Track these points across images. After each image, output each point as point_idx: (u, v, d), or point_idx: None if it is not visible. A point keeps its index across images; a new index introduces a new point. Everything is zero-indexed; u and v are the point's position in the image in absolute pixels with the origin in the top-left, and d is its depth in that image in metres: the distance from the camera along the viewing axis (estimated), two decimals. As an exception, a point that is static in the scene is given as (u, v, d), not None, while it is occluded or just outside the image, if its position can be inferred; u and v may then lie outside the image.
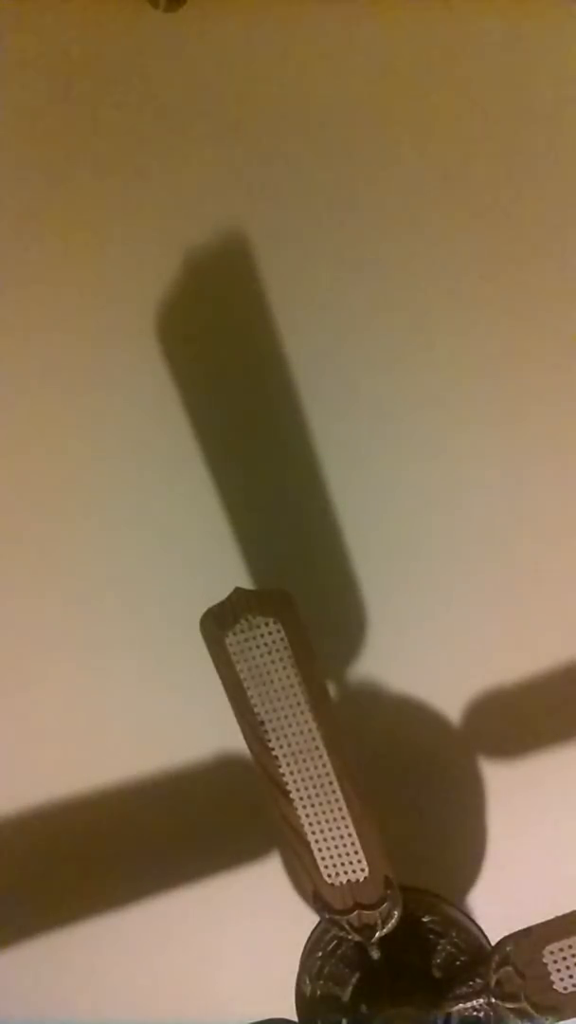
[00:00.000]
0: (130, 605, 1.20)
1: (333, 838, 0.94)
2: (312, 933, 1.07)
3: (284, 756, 0.93)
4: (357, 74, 1.07)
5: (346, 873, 0.94)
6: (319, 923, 1.05)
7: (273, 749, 0.93)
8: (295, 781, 0.93)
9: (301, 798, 0.94)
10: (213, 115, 1.08)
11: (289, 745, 0.93)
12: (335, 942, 1.05)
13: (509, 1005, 0.94)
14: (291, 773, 0.93)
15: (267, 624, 0.91)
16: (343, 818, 0.93)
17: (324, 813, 0.93)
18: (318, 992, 1.05)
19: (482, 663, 1.21)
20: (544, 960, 0.93)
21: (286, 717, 0.92)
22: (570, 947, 0.93)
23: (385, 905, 0.95)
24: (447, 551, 1.17)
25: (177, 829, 1.26)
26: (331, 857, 0.94)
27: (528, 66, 1.07)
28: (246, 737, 0.94)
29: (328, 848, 0.94)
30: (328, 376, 1.13)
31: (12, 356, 1.13)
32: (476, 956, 1.04)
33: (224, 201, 1.10)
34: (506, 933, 0.96)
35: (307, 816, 0.94)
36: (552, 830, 1.26)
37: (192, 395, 1.13)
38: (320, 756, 0.93)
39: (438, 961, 1.05)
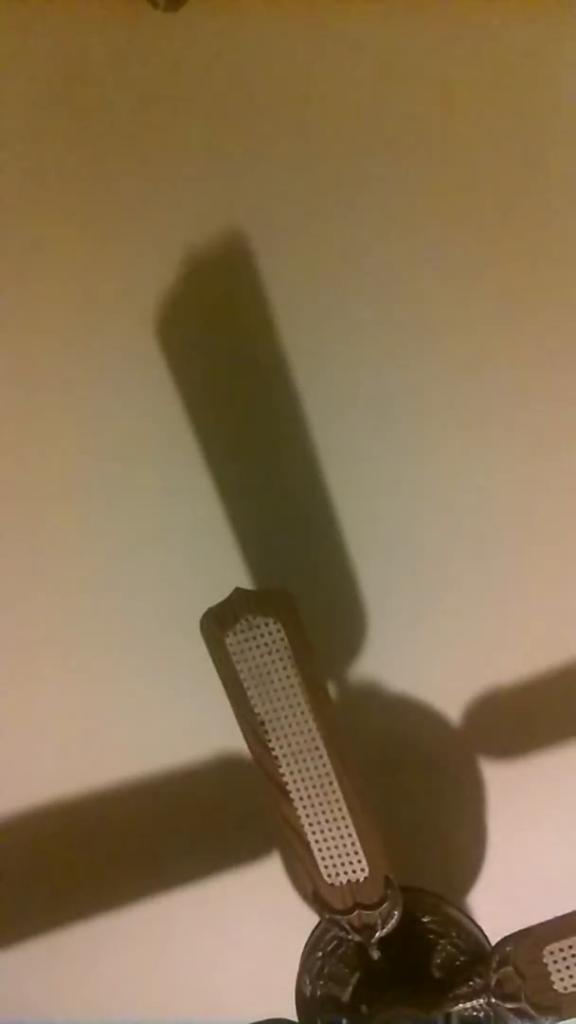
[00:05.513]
0: (130, 605, 1.20)
1: (333, 838, 0.94)
2: (312, 933, 1.07)
3: (284, 756, 0.93)
4: (357, 74, 1.07)
5: (346, 873, 0.94)
6: (319, 923, 1.05)
7: (273, 749, 0.93)
8: (295, 781, 0.93)
9: (301, 798, 0.93)
10: (213, 115, 1.08)
11: (289, 745, 0.93)
12: (335, 942, 1.05)
13: (509, 1005, 0.94)
14: (291, 773, 0.93)
15: (267, 624, 0.91)
16: (343, 818, 0.93)
17: (324, 813, 0.93)
18: (318, 992, 1.05)
19: (482, 663, 1.21)
20: (544, 960, 0.93)
21: (286, 717, 0.92)
22: (570, 947, 0.93)
23: (385, 905, 0.95)
24: (447, 551, 1.17)
25: (177, 829, 1.26)
26: (331, 857, 0.94)
27: (529, 66, 1.07)
28: (246, 737, 0.94)
29: (328, 848, 0.94)
30: (328, 376, 1.13)
31: (12, 356, 1.13)
32: (476, 956, 1.04)
33: (224, 200, 1.10)
34: (506, 933, 0.96)
35: (307, 816, 0.94)
36: (552, 830, 1.26)
37: (192, 395, 1.13)
38: (320, 756, 0.93)
39: (438, 961, 1.05)
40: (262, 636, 0.91)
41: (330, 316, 1.12)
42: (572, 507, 1.16)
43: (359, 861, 0.94)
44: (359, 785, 0.93)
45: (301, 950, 1.07)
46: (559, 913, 0.94)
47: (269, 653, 0.91)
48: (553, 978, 0.93)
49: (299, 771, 0.93)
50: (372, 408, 1.14)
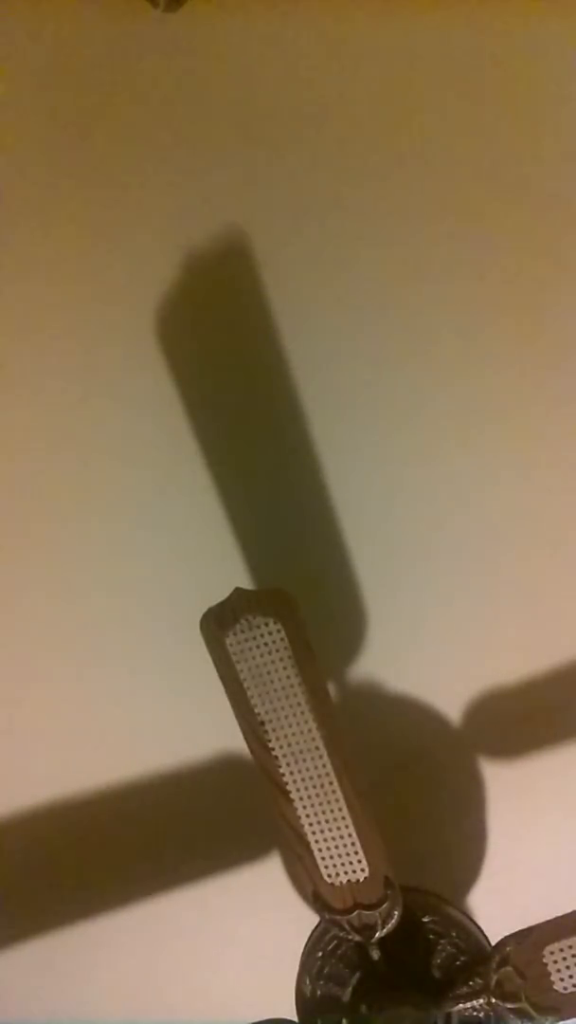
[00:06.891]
0: (130, 605, 1.20)
1: (333, 838, 0.94)
2: (312, 933, 1.07)
3: (284, 756, 0.93)
4: (357, 74, 1.07)
5: (346, 873, 0.94)
6: (319, 923, 1.05)
7: (273, 749, 0.93)
8: (295, 781, 0.93)
9: (301, 798, 0.93)
10: (213, 115, 1.08)
11: (289, 745, 0.93)
12: (335, 942, 1.05)
13: (509, 1005, 0.94)
14: (291, 773, 0.93)
15: (267, 624, 0.91)
16: (343, 818, 0.93)
17: (324, 813, 0.93)
18: (318, 992, 1.05)
19: (482, 663, 1.21)
20: (544, 960, 0.93)
21: (286, 717, 0.92)
22: (570, 947, 0.93)
23: (385, 905, 0.95)
24: (447, 551, 1.17)
25: (177, 829, 1.26)
26: (331, 857, 0.94)
27: (529, 67, 1.07)
28: (246, 737, 0.94)
29: (328, 848, 0.94)
30: (328, 376, 1.13)
31: (11, 356, 1.13)
32: (476, 956, 1.04)
33: (224, 201, 1.10)
34: (506, 933, 0.96)
35: (307, 816, 0.94)
36: (552, 830, 1.26)
37: (192, 395, 1.13)
38: (320, 756, 0.93)
39: (438, 961, 1.05)
40: (262, 636, 0.91)
41: (331, 316, 1.12)
42: (573, 506, 1.16)
43: (359, 861, 0.94)
44: (359, 785, 0.93)
45: (301, 950, 1.07)
46: (559, 913, 0.94)
47: (269, 653, 0.91)
48: (553, 978, 0.93)
49: (299, 771, 0.93)
50: (373, 408, 1.14)
